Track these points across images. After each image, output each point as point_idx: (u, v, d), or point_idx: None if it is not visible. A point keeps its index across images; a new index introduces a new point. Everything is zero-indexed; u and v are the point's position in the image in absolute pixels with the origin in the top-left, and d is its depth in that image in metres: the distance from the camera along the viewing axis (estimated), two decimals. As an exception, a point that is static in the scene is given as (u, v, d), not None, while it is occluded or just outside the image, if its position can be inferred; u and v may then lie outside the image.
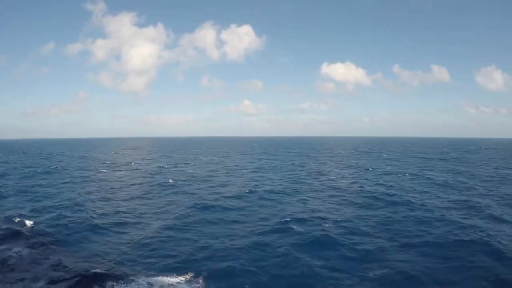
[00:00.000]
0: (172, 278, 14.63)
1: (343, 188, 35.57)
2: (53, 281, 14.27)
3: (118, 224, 22.99)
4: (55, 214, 25.33)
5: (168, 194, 34.24)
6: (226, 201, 29.35)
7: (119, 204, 29.45)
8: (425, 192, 33.18)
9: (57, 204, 29.02)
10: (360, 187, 36.05)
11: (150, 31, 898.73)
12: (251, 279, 14.54)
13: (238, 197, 31.06)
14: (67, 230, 21.60)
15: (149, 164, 69.20)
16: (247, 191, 33.11)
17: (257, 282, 14.43)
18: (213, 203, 28.48)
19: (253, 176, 47.81)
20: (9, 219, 23.85)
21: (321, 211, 25.54)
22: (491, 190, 33.82)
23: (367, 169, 54.44)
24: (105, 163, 71.60)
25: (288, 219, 22.57)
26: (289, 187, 36.64)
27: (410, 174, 47.02)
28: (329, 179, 42.89)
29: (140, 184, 41.18)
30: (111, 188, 37.97)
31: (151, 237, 20.00)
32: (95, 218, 24.28)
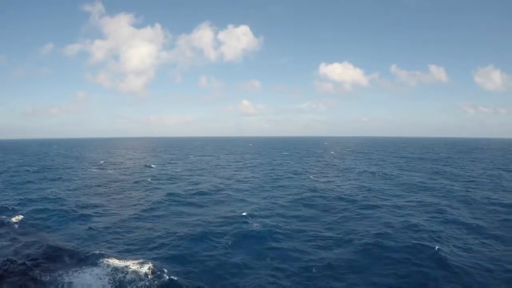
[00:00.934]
0: (128, 260, 17.37)
1: (307, 187, 38.00)
2: (29, 255, 17.57)
3: (92, 215, 26.33)
4: (39, 206, 28.65)
5: (145, 190, 37.31)
6: (191, 197, 32.56)
7: (98, 198, 32.77)
8: (388, 192, 34.22)
9: (42, 198, 32.27)
10: (328, 187, 38.56)
11: (148, 31, 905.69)
12: (195, 263, 17.27)
13: (203, 193, 34.18)
14: (46, 218, 25.06)
15: (138, 163, 72.25)
16: (214, 189, 36.23)
17: (200, 264, 17.17)
18: (179, 198, 31.82)
19: (231, 174, 50.80)
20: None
21: (271, 209, 28.44)
22: (459, 192, 33.69)
23: (346, 169, 56.47)
24: (98, 162, 74.70)
25: (237, 215, 25.28)
26: (258, 186, 39.44)
27: (386, 174, 47.97)
28: (301, 178, 45.56)
29: (123, 181, 44.32)
30: (96, 185, 41.00)
31: (118, 226, 23.11)
32: (73, 209, 27.69)
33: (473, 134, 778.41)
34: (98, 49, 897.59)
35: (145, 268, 16.04)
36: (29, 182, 43.06)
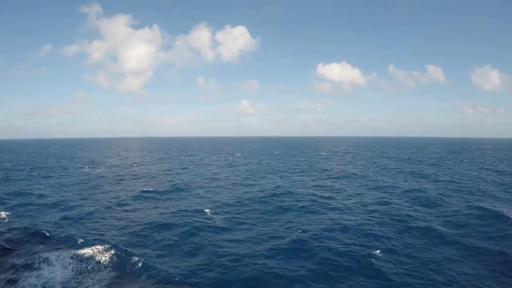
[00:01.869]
0: (91, 248, 19.84)
1: (276, 186, 40.37)
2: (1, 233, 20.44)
3: (64, 208, 29.20)
4: (22, 200, 31.56)
5: (124, 186, 40.36)
6: (163, 193, 35.40)
7: (75, 194, 35.66)
8: (350, 192, 35.66)
9: (27, 193, 35.28)
10: (295, 186, 41.11)
11: (145, 32, 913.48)
12: (154, 245, 20.18)
13: (175, 190, 36.98)
14: (25, 210, 27.95)
15: (127, 162, 74.94)
16: (186, 187, 38.85)
17: (156, 246, 20.06)
18: (151, 194, 34.78)
19: (213, 173, 53.45)
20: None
21: (231, 205, 31.19)
22: (424, 193, 33.22)
23: (324, 170, 58.02)
24: (89, 161, 77.57)
25: (197, 209, 27.91)
26: (230, 184, 42.19)
27: (362, 176, 48.28)
28: (277, 177, 48.04)
29: (106, 178, 47.36)
30: (80, 182, 43.75)
31: (82, 217, 25.73)
32: (52, 203, 30.76)
33: (472, 134, 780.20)
34: (96, 49, 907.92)
35: (109, 249, 18.96)
36: (19, 179, 45.87)
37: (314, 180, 44.10)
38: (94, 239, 20.94)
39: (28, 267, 17.33)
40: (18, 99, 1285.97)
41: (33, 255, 18.43)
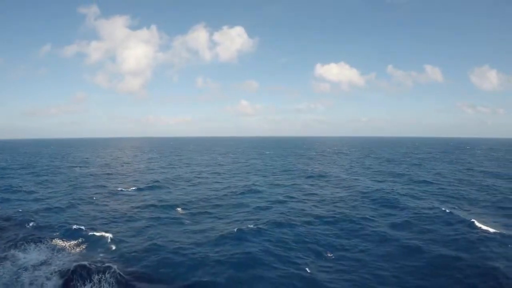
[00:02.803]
0: (66, 235, 22.60)
1: (245, 185, 42.92)
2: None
3: (46, 201, 32.04)
4: (11, 195, 34.55)
5: (102, 184, 42.82)
6: (138, 190, 38.27)
7: (60, 190, 38.50)
8: (311, 192, 37.39)
9: (16, 189, 38.12)
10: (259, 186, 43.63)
11: (143, 33, 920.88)
12: (123, 230, 23.00)
13: (150, 188, 39.83)
14: (11, 204, 30.87)
15: (117, 162, 77.54)
16: (150, 185, 41.49)
17: (125, 229, 22.81)
18: (127, 191, 37.68)
19: (193, 172, 56.18)
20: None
21: (193, 202, 33.97)
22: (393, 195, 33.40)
23: (304, 170, 59.86)
24: (82, 161, 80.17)
25: (152, 205, 30.48)
26: (203, 182, 44.85)
27: (331, 175, 50.40)
28: (246, 177, 50.16)
29: (94, 175, 50.29)
30: (67, 180, 46.22)
31: (62, 210, 28.42)
32: (36, 197, 33.67)
33: (472, 134, 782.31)
34: (95, 50, 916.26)
35: (80, 236, 21.83)
36: (9, 177, 48.63)
37: (290, 179, 46.60)
38: (69, 228, 23.62)
39: (6, 253, 19.81)
40: (18, 99, 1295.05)
41: (12, 242, 20.99)
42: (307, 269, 16.92)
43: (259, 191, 36.35)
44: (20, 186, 39.77)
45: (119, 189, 38.01)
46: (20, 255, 19.88)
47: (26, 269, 18.10)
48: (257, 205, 30.01)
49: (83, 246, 20.64)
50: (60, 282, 16.56)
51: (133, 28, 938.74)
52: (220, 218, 26.47)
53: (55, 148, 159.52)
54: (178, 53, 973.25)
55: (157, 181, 43.40)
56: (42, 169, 60.65)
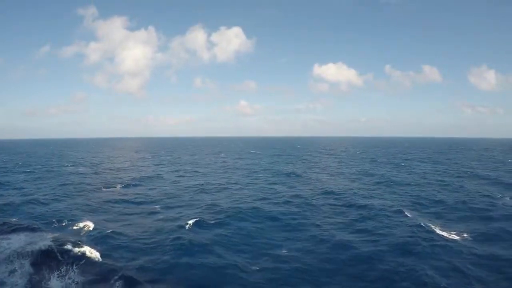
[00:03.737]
0: (45, 224, 26.03)
1: (204, 184, 46.28)
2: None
3: (30, 195, 35.40)
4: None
5: (88, 181, 46.54)
6: (110, 188, 42.02)
7: (47, 186, 41.93)
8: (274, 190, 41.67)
9: (5, 186, 41.15)
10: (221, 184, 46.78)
11: (141, 34, 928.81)
12: (88, 222, 26.33)
13: (123, 185, 43.55)
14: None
15: (108, 161, 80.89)
16: (130, 181, 45.04)
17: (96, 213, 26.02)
18: (109, 188, 41.52)
19: (165, 169, 59.59)
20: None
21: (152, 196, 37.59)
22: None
23: (277, 169, 62.68)
24: (75, 160, 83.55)
25: (126, 200, 33.91)
26: (164, 179, 48.42)
27: (296, 174, 52.81)
28: (212, 175, 53.56)
29: (81, 174, 53.56)
30: (57, 178, 49.52)
31: (45, 203, 31.84)
32: (23, 193, 37.08)
33: (472, 134, 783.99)
34: (94, 51, 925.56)
35: (59, 224, 25.06)
36: (3, 175, 51.92)
37: (263, 178, 49.81)
38: (49, 219, 26.88)
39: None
40: (18, 99, 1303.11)
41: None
42: (239, 260, 20.15)
43: (211, 189, 39.31)
44: (9, 182, 43.32)
45: (102, 186, 41.59)
46: (4, 241, 23.07)
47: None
48: (213, 202, 31.75)
49: (61, 232, 23.73)
50: (34, 261, 19.73)
51: (131, 29, 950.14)
52: (172, 209, 29.92)
53: (53, 148, 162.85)
54: (176, 53, 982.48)
55: (136, 178, 47.00)
56: (35, 168, 63.90)
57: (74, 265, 18.95)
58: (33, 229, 24.45)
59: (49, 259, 19.65)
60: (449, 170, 57.76)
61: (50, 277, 17.67)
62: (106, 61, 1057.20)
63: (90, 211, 29.09)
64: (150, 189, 40.21)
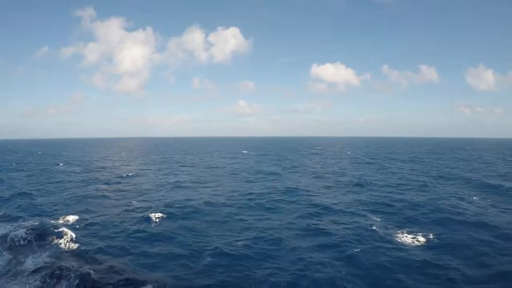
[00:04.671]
0: (28, 215, 28.93)
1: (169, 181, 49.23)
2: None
3: (18, 190, 38.46)
4: None
5: (77, 179, 49.64)
6: (95, 184, 45.97)
7: (36, 183, 45.15)
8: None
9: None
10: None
11: (139, 34, 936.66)
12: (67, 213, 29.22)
13: (107, 181, 47.52)
14: None
15: (100, 159, 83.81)
16: (114, 177, 48.75)
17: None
18: (93, 185, 45.08)
19: (149, 168, 62.27)
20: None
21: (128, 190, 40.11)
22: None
23: (259, 168, 66.71)
24: (70, 159, 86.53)
25: (108, 196, 38.24)
26: (144, 175, 51.28)
27: (275, 174, 54.94)
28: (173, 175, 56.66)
29: (72, 172, 56.66)
30: (48, 175, 52.57)
31: (32, 197, 34.91)
32: (11, 188, 39.98)
33: (471, 134, 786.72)
34: (92, 51, 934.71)
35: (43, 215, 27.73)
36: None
37: (228, 175, 53.01)
38: (32, 209, 29.93)
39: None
40: (17, 99, 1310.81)
41: None
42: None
43: (184, 187, 42.12)
44: (2, 180, 46.25)
45: (88, 183, 44.82)
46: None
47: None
48: (179, 198, 34.75)
49: (41, 223, 26.53)
50: (12, 246, 22.64)
51: (129, 29, 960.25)
52: (143, 200, 33.73)
53: (50, 148, 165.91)
54: (174, 54, 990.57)
55: (125, 177, 50.33)
56: (29, 167, 66.90)
57: (48, 249, 21.94)
58: (16, 219, 27.43)
59: (27, 245, 22.66)
60: (431, 170, 56.76)
61: (26, 260, 20.55)
62: (105, 62, 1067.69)
63: (71, 205, 32.03)
64: (131, 185, 43.29)
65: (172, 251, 20.82)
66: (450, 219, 25.80)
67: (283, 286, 15.97)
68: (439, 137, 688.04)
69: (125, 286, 16.38)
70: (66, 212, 29.52)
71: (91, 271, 17.32)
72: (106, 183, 44.96)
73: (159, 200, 33.80)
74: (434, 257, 19.00)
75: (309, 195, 35.54)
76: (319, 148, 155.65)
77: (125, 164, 73.90)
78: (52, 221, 27.23)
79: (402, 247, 20.72)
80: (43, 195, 36.41)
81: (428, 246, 20.97)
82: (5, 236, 24.61)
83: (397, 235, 22.82)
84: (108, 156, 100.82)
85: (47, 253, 21.39)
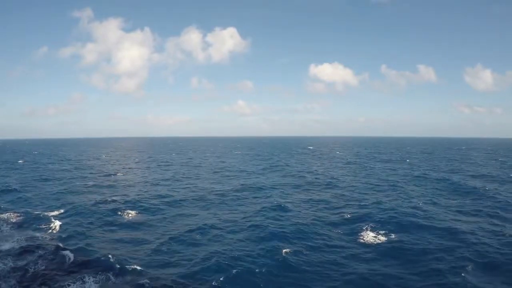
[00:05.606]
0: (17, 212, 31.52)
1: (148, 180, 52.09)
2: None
3: (10, 186, 41.08)
4: None
5: (68, 176, 52.51)
6: (85, 180, 49.06)
7: (29, 180, 48.04)
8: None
9: None
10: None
11: (137, 35, 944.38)
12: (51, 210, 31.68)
13: (95, 179, 50.14)
14: None
15: (93, 158, 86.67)
16: (102, 175, 51.22)
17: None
18: (77, 180, 47.61)
19: (137, 166, 65.06)
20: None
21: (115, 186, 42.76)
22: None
23: (242, 168, 69.39)
24: (64, 158, 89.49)
25: (94, 192, 40.47)
26: (132, 172, 53.72)
27: (252, 173, 60.37)
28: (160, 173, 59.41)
29: (65, 170, 59.61)
30: (41, 173, 55.29)
31: (23, 193, 37.79)
32: (3, 184, 42.08)
33: (471, 134, 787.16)
34: (90, 52, 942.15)
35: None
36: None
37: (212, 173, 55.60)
38: (20, 204, 32.64)
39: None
40: (17, 99, 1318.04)
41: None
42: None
43: (169, 184, 45.08)
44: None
45: (76, 180, 47.49)
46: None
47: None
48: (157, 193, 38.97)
49: (24, 213, 29.31)
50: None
51: (127, 30, 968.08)
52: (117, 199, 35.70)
53: (48, 148, 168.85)
54: (172, 54, 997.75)
55: (113, 174, 53.40)
56: (24, 165, 69.82)
57: (29, 235, 24.69)
58: (3, 211, 30.19)
59: (9, 230, 25.48)
60: (414, 171, 56.00)
61: (3, 243, 23.26)
62: (103, 62, 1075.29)
63: (55, 199, 34.78)
64: (115, 182, 46.09)
65: (136, 236, 23.73)
66: (400, 220, 25.27)
67: (223, 265, 18.47)
68: (439, 137, 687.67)
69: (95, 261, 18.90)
70: (50, 205, 32.31)
71: (67, 251, 20.10)
72: (95, 179, 47.88)
73: (137, 195, 36.59)
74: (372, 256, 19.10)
75: (270, 195, 35.99)
76: (311, 148, 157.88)
77: (117, 163, 76.71)
78: (36, 212, 30.02)
79: (339, 247, 20.63)
80: (30, 191, 39.13)
81: (365, 244, 21.17)
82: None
83: (336, 235, 22.91)
84: (103, 155, 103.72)
85: (21, 237, 23.98)
